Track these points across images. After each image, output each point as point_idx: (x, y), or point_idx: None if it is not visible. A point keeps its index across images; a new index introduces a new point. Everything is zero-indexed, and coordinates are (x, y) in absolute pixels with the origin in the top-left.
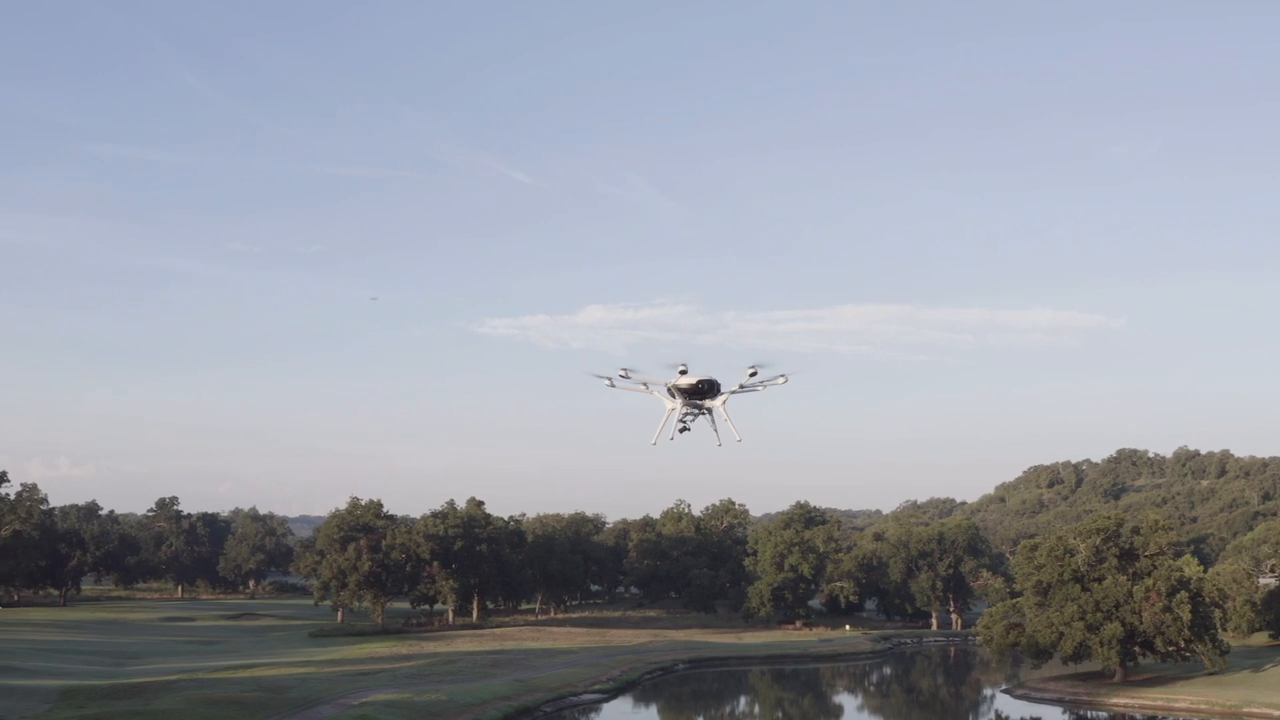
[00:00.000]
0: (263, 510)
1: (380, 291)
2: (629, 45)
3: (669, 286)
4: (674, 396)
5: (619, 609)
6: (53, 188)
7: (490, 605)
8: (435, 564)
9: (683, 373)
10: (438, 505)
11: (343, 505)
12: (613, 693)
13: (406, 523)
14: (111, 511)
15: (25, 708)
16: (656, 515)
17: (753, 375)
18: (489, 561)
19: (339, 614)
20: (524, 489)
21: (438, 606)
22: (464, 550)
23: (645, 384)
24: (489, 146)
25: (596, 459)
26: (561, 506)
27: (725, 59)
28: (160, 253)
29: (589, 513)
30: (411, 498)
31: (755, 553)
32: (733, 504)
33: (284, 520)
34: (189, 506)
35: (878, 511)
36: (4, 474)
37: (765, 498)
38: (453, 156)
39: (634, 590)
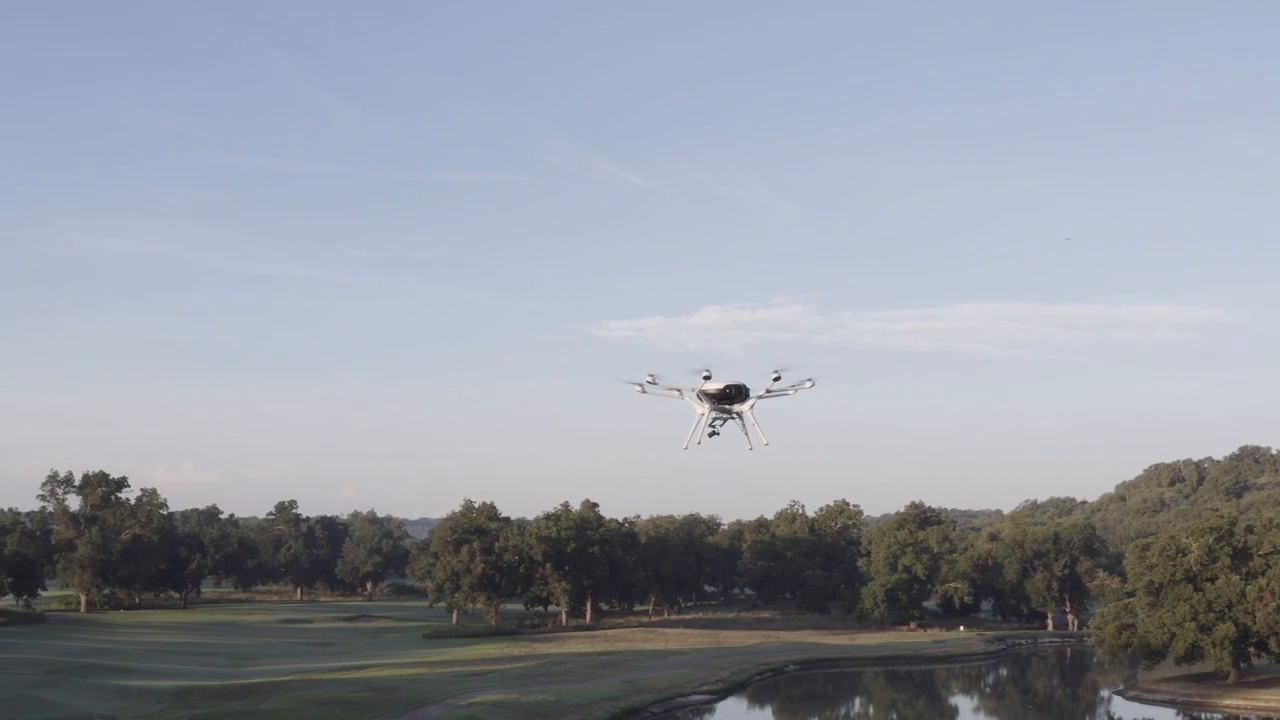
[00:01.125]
0: (382, 513)
1: (497, 296)
2: (742, 44)
3: (785, 287)
4: (703, 401)
5: (733, 610)
6: (172, 196)
7: (605, 607)
8: (548, 566)
9: (706, 378)
10: (553, 507)
11: (458, 508)
12: (721, 694)
13: (520, 525)
14: (232, 515)
15: (139, 708)
16: (771, 516)
17: (776, 380)
18: (601, 563)
19: (454, 616)
20: (639, 491)
21: (552, 608)
22: (576, 552)
23: (679, 390)
24: (603, 150)
25: (712, 460)
26: (677, 508)
27: (841, 57)
28: (280, 259)
29: (704, 514)
30: (528, 500)
31: (869, 553)
32: (846, 504)
33: (400, 523)
34: (312, 510)
35: (998, 511)
36: (124, 479)
37: (883, 498)
38: (567, 161)
39: (749, 591)
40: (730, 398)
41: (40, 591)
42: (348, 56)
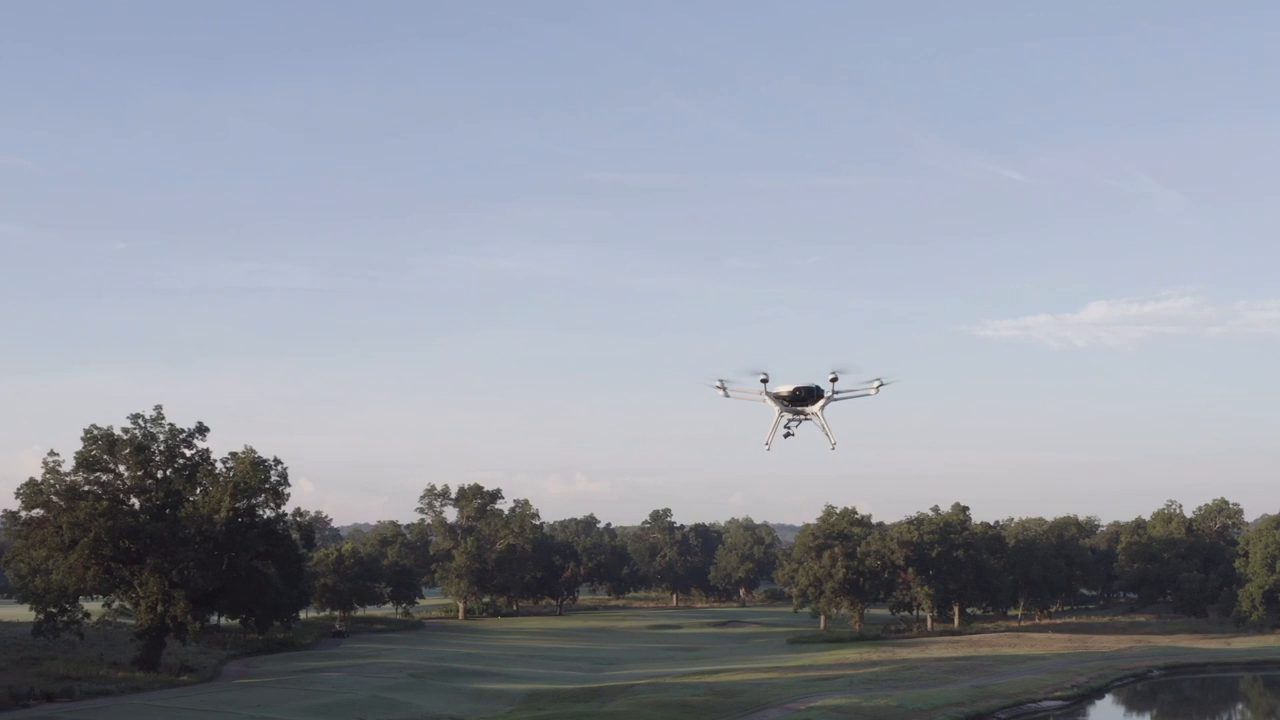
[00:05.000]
0: (768, 520)
1: (878, 299)
2: (1115, 38)
3: (1174, 279)
4: (777, 403)
5: (1108, 614)
6: (556, 217)
7: (976, 612)
8: (910, 570)
9: (764, 380)
10: (916, 512)
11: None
12: (1075, 699)
13: (882, 529)
14: (608, 524)
15: (489, 709)
16: (1148, 517)
17: (834, 380)
18: (966, 567)
19: (822, 621)
20: (1020, 492)
21: (919, 613)
22: (941, 556)
23: (763, 395)
24: (977, 147)
25: (1094, 458)
26: (1057, 509)
27: (1221, 53)
28: (660, 273)
29: (1081, 516)
30: (904, 504)
31: (1246, 554)
32: (1226, 504)
33: (773, 529)
34: (696, 518)
35: None
36: (498, 491)
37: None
38: (941, 160)
39: (1129, 595)
40: (801, 400)
41: (418, 600)
42: (713, 66)
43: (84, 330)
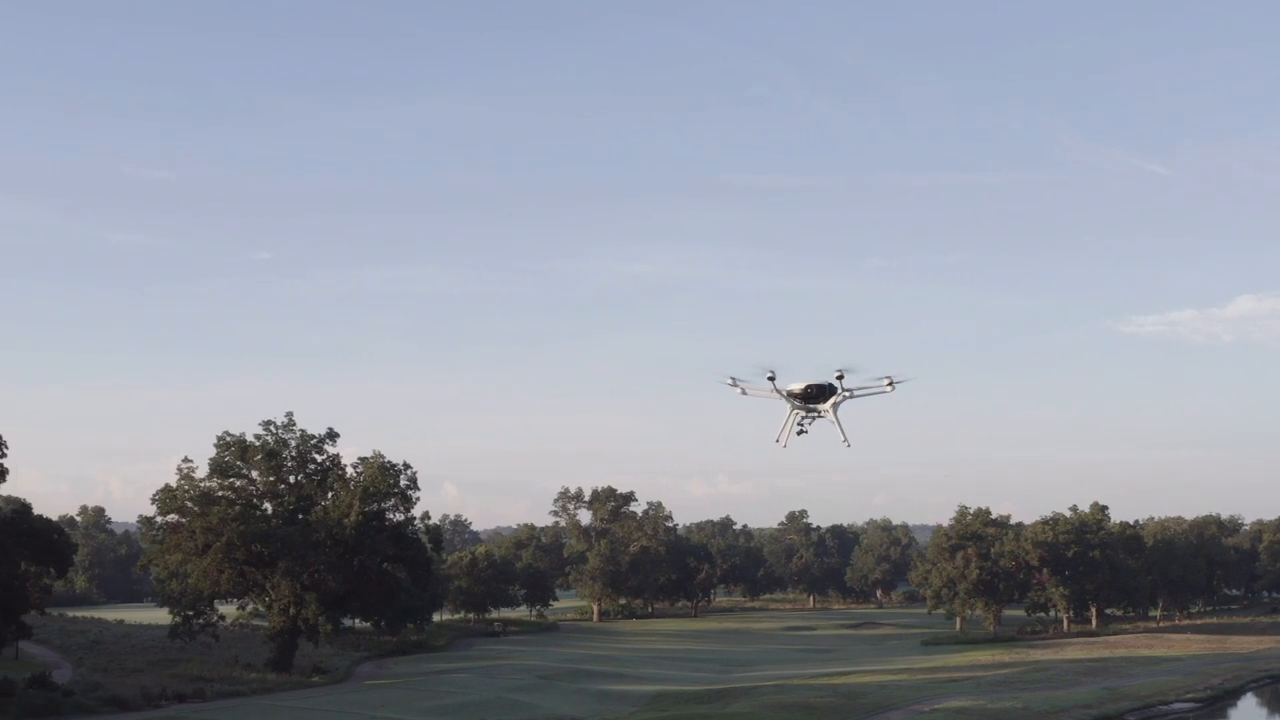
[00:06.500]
0: (913, 521)
1: (1019, 297)
2: (1255, 29)
3: None
4: (790, 401)
5: (1250, 615)
6: (692, 219)
7: (1115, 613)
8: (1045, 571)
9: (771, 378)
10: (1062, 511)
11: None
12: (1207, 701)
13: (1016, 529)
14: (744, 526)
15: (612, 710)
16: None
17: (840, 379)
18: (1103, 568)
19: (957, 622)
20: (1162, 490)
21: (1055, 614)
22: (1077, 557)
23: (775, 393)
24: (1119, 141)
25: (1238, 456)
26: (1200, 508)
27: None
28: (799, 273)
29: (1223, 515)
30: (1044, 502)
31: None
32: None
33: (909, 530)
34: (843, 518)
35: None
36: (631, 494)
37: None
38: (1082, 155)
39: (1274, 595)
40: (813, 398)
41: (552, 602)
42: (851, 67)
43: (230, 339)
